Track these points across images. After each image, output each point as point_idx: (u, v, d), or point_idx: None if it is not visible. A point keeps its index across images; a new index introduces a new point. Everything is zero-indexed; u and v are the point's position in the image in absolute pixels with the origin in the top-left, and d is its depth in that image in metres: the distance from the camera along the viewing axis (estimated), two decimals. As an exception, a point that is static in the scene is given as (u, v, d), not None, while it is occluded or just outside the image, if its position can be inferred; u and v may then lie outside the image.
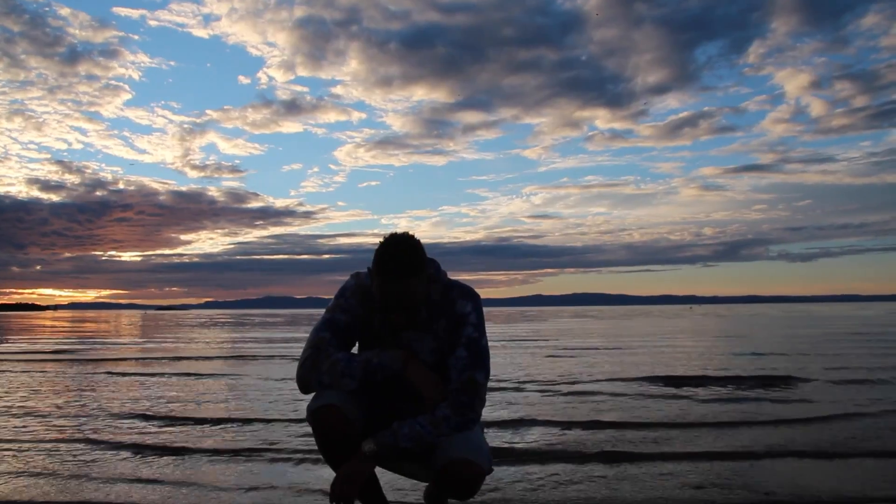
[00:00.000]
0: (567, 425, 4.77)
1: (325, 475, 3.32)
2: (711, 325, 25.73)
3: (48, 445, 4.20)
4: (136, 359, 11.80)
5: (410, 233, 2.16)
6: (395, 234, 2.15)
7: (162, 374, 8.80)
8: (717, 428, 4.63)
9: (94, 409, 5.72)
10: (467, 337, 2.18)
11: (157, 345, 16.22)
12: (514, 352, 12.63)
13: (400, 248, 2.09)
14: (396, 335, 2.24)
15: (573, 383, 7.36)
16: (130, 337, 20.94)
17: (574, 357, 11.29)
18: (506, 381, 7.59)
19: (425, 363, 2.22)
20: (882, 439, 4.17)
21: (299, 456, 3.82)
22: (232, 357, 12.01)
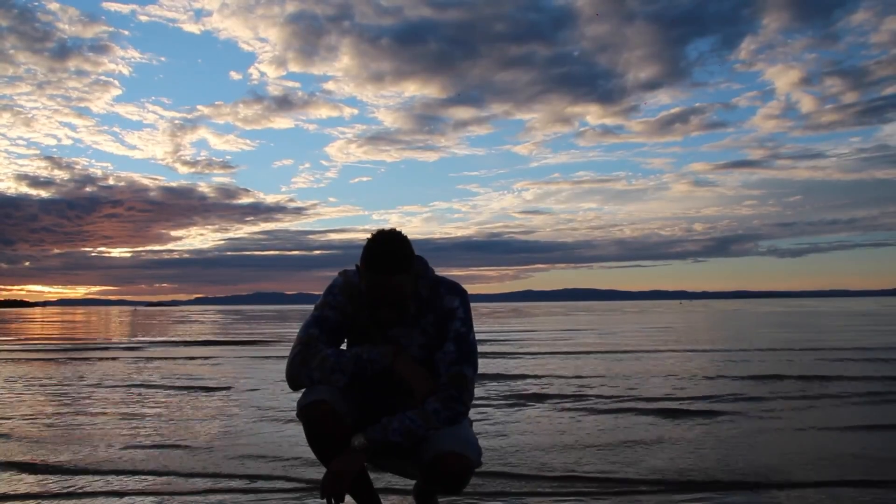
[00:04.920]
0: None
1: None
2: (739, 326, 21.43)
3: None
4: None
5: (398, 229, 2.18)
6: (384, 230, 2.16)
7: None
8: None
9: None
10: (455, 332, 2.20)
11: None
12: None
13: (389, 244, 2.10)
14: (385, 331, 2.26)
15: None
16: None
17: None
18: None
19: (414, 358, 2.24)
20: None
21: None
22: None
